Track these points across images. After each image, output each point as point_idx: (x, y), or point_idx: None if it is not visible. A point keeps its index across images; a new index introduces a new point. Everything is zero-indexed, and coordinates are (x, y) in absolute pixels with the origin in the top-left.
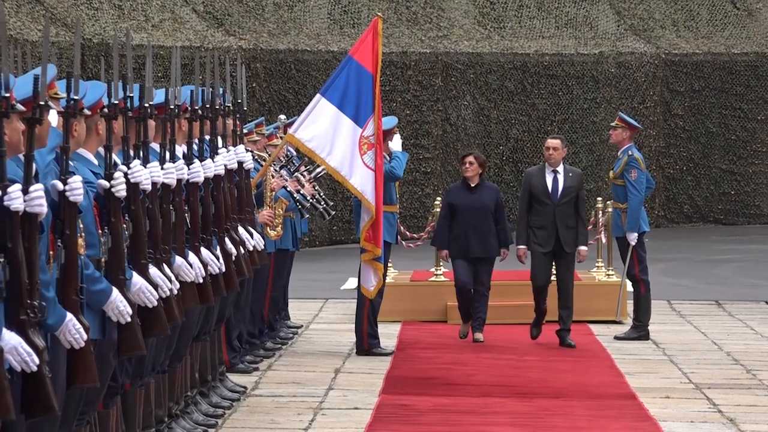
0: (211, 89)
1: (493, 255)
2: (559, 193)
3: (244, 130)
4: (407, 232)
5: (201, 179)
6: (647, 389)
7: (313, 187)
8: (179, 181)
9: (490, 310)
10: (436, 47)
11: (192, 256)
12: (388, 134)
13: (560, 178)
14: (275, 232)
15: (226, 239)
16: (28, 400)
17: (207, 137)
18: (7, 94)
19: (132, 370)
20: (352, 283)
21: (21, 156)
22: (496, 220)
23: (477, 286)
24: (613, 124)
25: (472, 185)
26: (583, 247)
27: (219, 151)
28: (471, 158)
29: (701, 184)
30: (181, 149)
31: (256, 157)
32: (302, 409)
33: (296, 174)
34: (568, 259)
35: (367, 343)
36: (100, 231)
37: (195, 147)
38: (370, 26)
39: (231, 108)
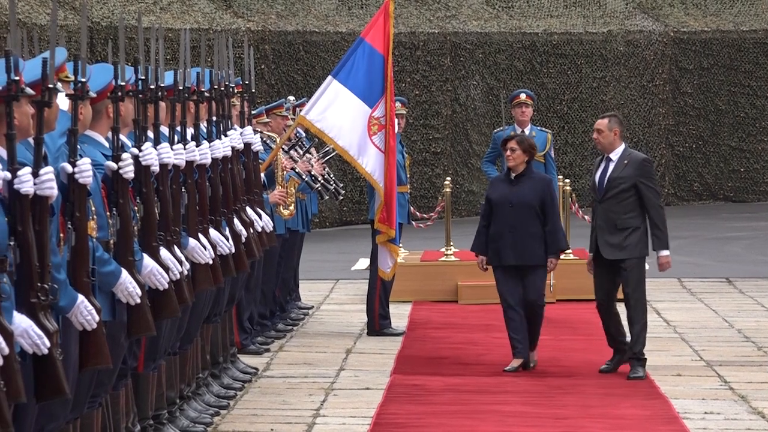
0: (217, 71)
1: (533, 262)
2: (605, 185)
3: (252, 112)
4: (417, 213)
5: (209, 161)
6: (658, 367)
7: (323, 168)
8: (191, 162)
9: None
10: (445, 27)
11: (202, 238)
12: None
13: (611, 167)
14: (288, 211)
15: (235, 220)
16: (39, 382)
17: (214, 119)
18: (17, 78)
19: (146, 353)
20: (362, 263)
21: (30, 140)
22: (546, 219)
23: (528, 299)
24: None
25: (514, 176)
26: (663, 252)
27: (227, 132)
28: (513, 143)
29: (711, 162)
30: (189, 131)
31: (265, 138)
32: (314, 390)
33: (306, 155)
34: (626, 270)
35: (378, 324)
36: (108, 213)
37: (203, 128)
38: (381, 8)
39: (238, 89)
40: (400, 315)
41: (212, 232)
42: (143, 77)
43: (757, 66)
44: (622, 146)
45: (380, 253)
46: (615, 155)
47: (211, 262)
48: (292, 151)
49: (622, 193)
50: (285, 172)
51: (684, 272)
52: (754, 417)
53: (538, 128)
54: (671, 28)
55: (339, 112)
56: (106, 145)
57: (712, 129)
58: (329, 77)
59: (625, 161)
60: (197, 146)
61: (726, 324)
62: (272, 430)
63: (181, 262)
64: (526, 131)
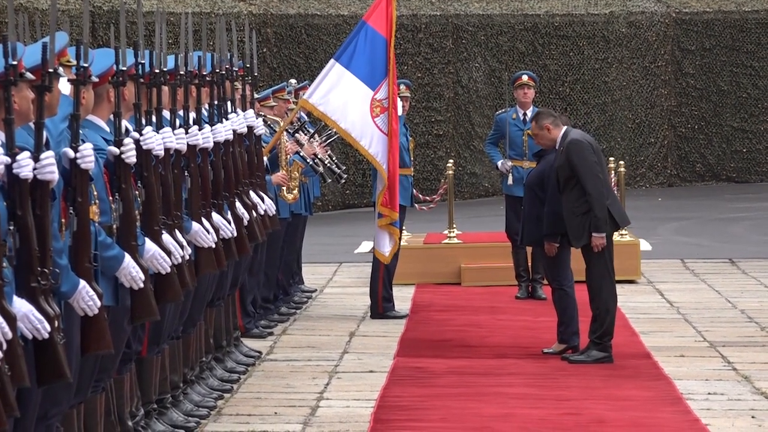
0: (218, 54)
1: (527, 243)
2: (556, 177)
3: (257, 95)
4: (420, 195)
5: (210, 144)
6: (662, 348)
7: (325, 151)
8: (194, 146)
9: (501, 271)
10: (447, 9)
11: (205, 222)
12: None
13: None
14: (292, 195)
15: (237, 204)
16: (41, 367)
17: (216, 102)
18: (15, 62)
19: (149, 337)
20: (365, 246)
21: (31, 124)
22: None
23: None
24: None
25: (535, 154)
26: (594, 234)
27: (228, 116)
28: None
29: (713, 143)
30: (191, 115)
31: (269, 122)
32: (317, 373)
33: (309, 139)
34: (588, 254)
35: (381, 307)
36: (110, 198)
37: (204, 112)
38: None
39: (241, 73)
40: (403, 298)
41: (214, 215)
42: (143, 61)
43: (759, 46)
44: (561, 133)
45: (379, 235)
46: (557, 145)
47: (214, 245)
48: (297, 135)
49: (568, 181)
50: (288, 156)
51: (687, 253)
52: (757, 397)
53: None
54: (673, 8)
55: (341, 96)
56: (107, 129)
57: (714, 110)
58: (331, 60)
59: (561, 149)
60: (199, 130)
61: (729, 304)
62: (276, 413)
63: (182, 246)
64: (528, 113)
